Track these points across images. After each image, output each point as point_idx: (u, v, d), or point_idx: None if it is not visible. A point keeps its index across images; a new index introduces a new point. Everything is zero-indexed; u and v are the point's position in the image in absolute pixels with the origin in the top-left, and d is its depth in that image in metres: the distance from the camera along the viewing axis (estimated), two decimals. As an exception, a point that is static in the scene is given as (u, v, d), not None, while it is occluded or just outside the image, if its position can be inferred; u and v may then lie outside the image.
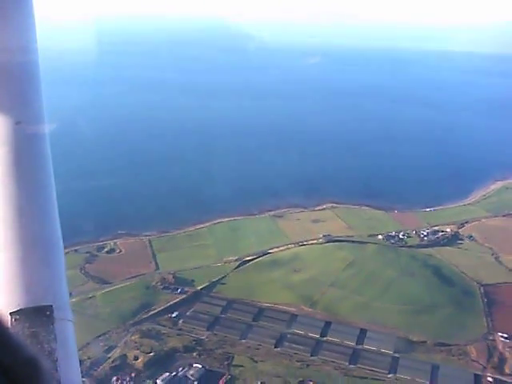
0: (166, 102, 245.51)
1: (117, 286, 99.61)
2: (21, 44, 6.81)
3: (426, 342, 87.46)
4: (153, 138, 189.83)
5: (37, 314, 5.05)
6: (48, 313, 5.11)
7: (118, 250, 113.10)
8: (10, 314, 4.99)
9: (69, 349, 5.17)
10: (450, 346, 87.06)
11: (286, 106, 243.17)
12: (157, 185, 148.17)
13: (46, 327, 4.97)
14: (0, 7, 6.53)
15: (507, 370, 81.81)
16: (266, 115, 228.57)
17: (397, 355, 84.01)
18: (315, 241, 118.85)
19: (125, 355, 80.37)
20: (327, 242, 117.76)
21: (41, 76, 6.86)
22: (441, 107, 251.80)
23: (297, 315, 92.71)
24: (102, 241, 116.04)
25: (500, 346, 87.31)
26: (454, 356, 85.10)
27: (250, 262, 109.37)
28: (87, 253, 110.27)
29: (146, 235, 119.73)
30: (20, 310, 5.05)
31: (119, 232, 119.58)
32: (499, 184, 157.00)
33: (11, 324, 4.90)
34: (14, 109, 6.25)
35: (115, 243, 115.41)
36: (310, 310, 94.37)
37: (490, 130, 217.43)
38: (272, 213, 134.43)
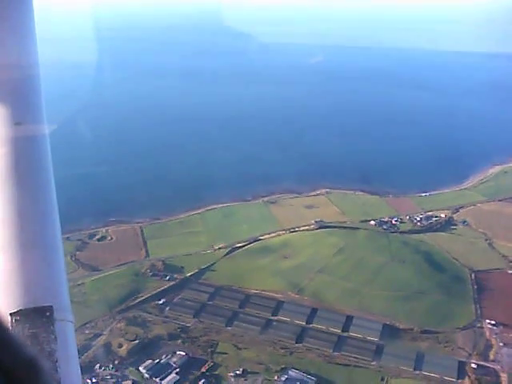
0: (165, 89, 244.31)
1: (106, 273, 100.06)
2: (21, 44, 6.90)
3: (412, 329, 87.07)
4: (151, 124, 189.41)
5: (37, 315, 5.10)
6: (48, 313, 5.15)
7: (109, 238, 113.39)
8: (11, 314, 5.03)
9: (69, 349, 5.21)
10: (436, 333, 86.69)
11: (282, 90, 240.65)
12: (153, 171, 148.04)
13: (46, 328, 5.02)
14: (0, 8, 6.62)
15: (492, 357, 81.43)
16: (263, 100, 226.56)
17: (382, 343, 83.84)
18: (307, 227, 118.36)
19: (109, 343, 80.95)
20: (318, 228, 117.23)
21: (41, 76, 6.92)
22: (439, 90, 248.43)
23: (283, 302, 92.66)
24: (93, 228, 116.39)
25: (487, 333, 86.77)
26: (440, 343, 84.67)
27: (240, 249, 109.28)
28: (79, 240, 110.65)
29: (138, 222, 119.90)
30: (20, 310, 5.09)
31: (111, 219, 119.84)
32: (498, 168, 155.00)
33: (11, 325, 4.94)
34: (14, 109, 6.33)
35: (107, 230, 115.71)
36: (297, 296, 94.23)
37: (489, 113, 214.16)
38: (266, 199, 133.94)
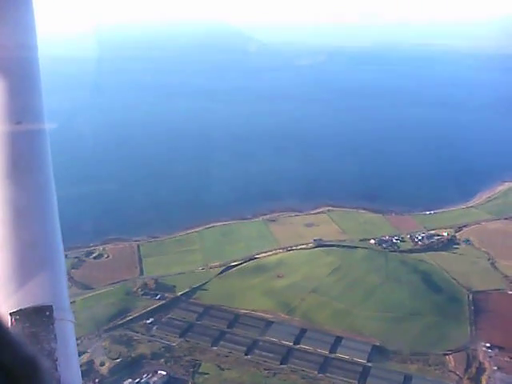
0: (172, 106, 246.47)
1: (98, 292, 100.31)
2: (21, 44, 6.94)
3: (402, 351, 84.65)
4: (155, 142, 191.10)
5: (37, 314, 5.12)
6: (48, 313, 5.16)
7: (106, 256, 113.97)
8: (10, 314, 5.06)
9: (69, 349, 5.22)
10: (427, 355, 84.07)
11: (294, 108, 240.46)
12: (154, 188, 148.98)
13: (46, 327, 5.04)
14: (0, 7, 6.67)
15: (484, 382, 78.46)
16: (271, 118, 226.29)
17: (369, 364, 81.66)
18: (304, 245, 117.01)
19: (92, 361, 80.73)
20: (316, 247, 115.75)
21: (41, 76, 6.92)
22: (451, 106, 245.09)
23: (272, 322, 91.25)
24: (91, 246, 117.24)
25: (481, 356, 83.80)
26: (430, 366, 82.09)
27: (235, 268, 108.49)
28: (75, 258, 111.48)
29: (136, 240, 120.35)
30: (20, 310, 5.12)
31: (109, 237, 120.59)
32: (507, 185, 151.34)
33: (11, 324, 4.98)
34: (14, 109, 6.34)
35: (104, 248, 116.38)
36: (286, 316, 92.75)
37: (501, 129, 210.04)
38: (266, 217, 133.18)
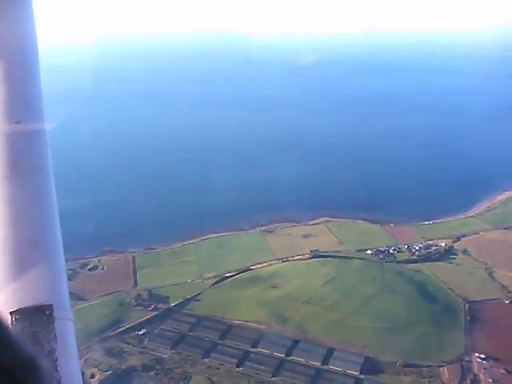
0: (168, 116, 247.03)
1: (91, 303, 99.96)
2: (21, 44, 6.97)
3: (395, 362, 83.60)
4: (156, 152, 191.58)
5: (37, 314, 5.09)
6: (48, 312, 5.13)
7: (101, 267, 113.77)
8: (10, 313, 5.03)
9: (69, 348, 5.20)
10: (421, 367, 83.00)
11: (294, 117, 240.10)
12: (153, 199, 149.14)
13: (46, 326, 5.00)
14: (0, 7, 6.73)
15: (478, 394, 77.32)
16: (275, 126, 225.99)
17: (362, 376, 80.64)
18: (300, 256, 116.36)
19: (82, 373, 79.94)
20: (312, 258, 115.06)
21: (41, 76, 6.93)
22: (452, 114, 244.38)
23: (265, 333, 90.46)
24: (87, 258, 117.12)
25: (475, 368, 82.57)
26: (424, 378, 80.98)
27: (229, 279, 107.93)
28: (70, 270, 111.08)
29: (132, 252, 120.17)
30: (20, 309, 5.10)
31: (105, 249, 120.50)
32: (507, 194, 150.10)
33: (11, 323, 4.95)
34: (14, 108, 6.36)
35: (99, 260, 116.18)
36: (279, 327, 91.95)
37: (503, 137, 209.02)
38: (263, 228, 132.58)
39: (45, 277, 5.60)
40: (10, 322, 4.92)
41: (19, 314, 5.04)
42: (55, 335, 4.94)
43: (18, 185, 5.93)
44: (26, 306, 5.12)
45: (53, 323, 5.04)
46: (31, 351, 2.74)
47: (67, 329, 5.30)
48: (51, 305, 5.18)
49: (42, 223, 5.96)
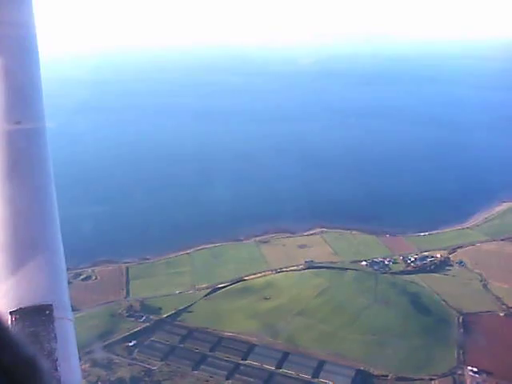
0: (167, 128, 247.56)
1: (82, 313, 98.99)
2: (22, 45, 6.99)
3: (387, 375, 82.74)
4: (154, 165, 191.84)
5: (37, 313, 5.11)
6: (48, 312, 5.16)
7: (94, 277, 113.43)
8: (10, 313, 5.05)
9: (69, 348, 5.22)
10: (412, 380, 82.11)
11: (294, 128, 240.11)
12: (149, 209, 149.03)
13: (46, 326, 5.02)
14: (1, 7, 6.76)
15: (469, 408, 76.25)
16: (274, 138, 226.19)
17: (352, 389, 79.80)
18: (294, 267, 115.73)
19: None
20: (306, 269, 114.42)
21: (41, 76, 6.95)
22: (453, 125, 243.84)
23: (256, 345, 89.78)
24: (81, 268, 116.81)
25: (468, 381, 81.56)
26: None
27: (221, 290, 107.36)
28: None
29: (126, 262, 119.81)
30: (20, 309, 5.11)
31: (100, 259, 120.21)
32: (505, 206, 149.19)
33: (11, 323, 4.96)
34: (14, 109, 6.37)
35: (93, 270, 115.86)
36: (270, 339, 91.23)
37: (503, 148, 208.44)
38: (258, 238, 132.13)
39: (45, 277, 5.60)
40: (10, 322, 4.92)
41: (19, 313, 5.05)
42: (55, 335, 4.94)
43: (17, 185, 5.93)
44: (26, 305, 5.13)
45: (53, 323, 5.05)
46: (31, 351, 2.73)
47: (67, 329, 5.37)
48: (51, 304, 5.22)
49: (42, 223, 5.96)
